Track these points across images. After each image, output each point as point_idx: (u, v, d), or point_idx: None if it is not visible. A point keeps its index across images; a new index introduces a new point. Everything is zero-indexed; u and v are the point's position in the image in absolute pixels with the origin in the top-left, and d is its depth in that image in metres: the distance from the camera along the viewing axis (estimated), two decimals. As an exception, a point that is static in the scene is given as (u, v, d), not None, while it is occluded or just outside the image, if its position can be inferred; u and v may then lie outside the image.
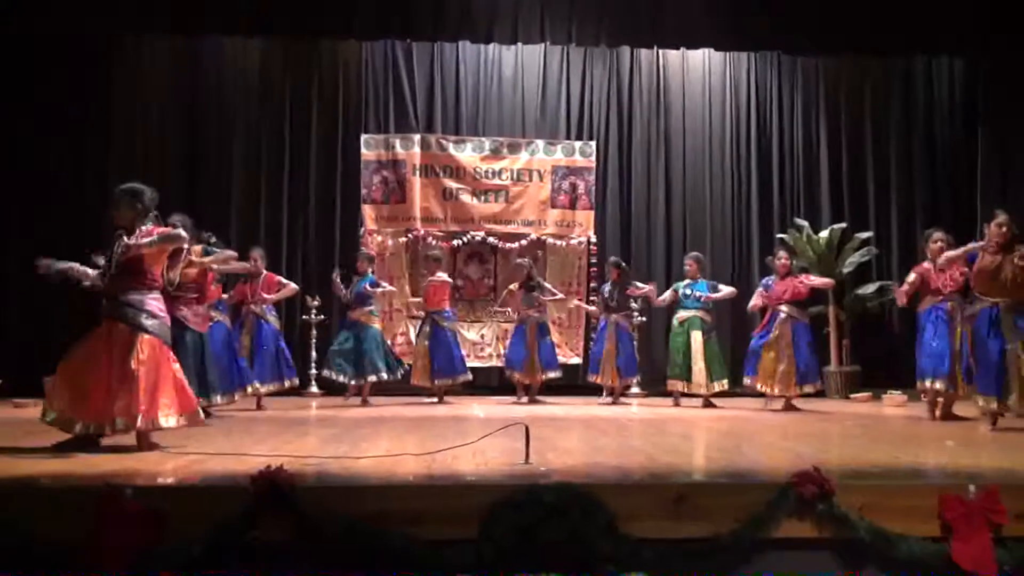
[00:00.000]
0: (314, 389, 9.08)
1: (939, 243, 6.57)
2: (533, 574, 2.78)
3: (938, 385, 6.34)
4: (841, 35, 10.03)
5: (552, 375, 8.80)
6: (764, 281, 7.96)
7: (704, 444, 5.08)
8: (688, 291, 8.27)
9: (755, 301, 7.95)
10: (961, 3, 9.73)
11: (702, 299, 8.22)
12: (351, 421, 6.19)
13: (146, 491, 2.95)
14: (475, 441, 4.15)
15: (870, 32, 9.97)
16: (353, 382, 8.20)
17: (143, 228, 4.37)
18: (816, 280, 8.16)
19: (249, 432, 5.23)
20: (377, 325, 8.40)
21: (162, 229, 4.44)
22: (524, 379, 8.72)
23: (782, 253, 8.07)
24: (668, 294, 8.52)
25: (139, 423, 4.15)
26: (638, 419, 6.84)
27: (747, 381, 7.84)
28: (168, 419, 4.26)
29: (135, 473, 3.39)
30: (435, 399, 8.50)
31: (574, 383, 9.33)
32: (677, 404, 8.19)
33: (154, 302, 4.35)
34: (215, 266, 6.26)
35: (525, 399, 8.64)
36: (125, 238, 4.32)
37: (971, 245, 6.10)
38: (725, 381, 8.24)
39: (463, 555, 2.77)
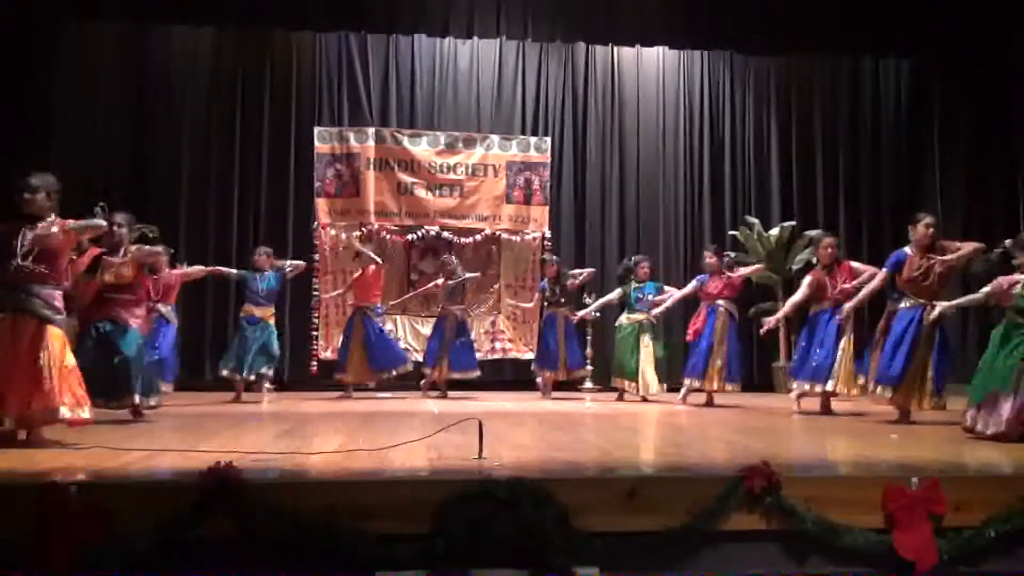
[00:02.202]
0: (267, 385, 8.95)
1: (829, 249, 6.76)
2: (486, 568, 2.79)
3: (828, 387, 6.52)
4: (792, 35, 10.25)
5: (458, 375, 8.60)
6: (700, 277, 7.92)
7: (656, 439, 5.13)
8: (640, 294, 8.28)
9: (687, 290, 7.99)
10: (909, 7, 9.97)
11: (650, 300, 8.20)
12: (302, 417, 6.13)
13: (91, 488, 2.89)
14: (428, 436, 4.14)
15: (821, 33, 10.19)
16: (239, 377, 7.82)
17: (51, 218, 4.32)
18: (745, 269, 8.09)
19: (197, 428, 5.15)
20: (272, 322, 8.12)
21: (81, 221, 4.43)
22: (432, 373, 8.57)
23: (707, 252, 8.03)
24: (615, 295, 8.47)
25: (60, 414, 4.13)
26: (591, 414, 6.88)
27: (691, 382, 7.70)
28: (76, 411, 4.22)
29: (78, 470, 3.32)
30: (387, 394, 8.42)
31: (528, 378, 9.32)
32: (621, 399, 8.21)
33: (60, 299, 4.31)
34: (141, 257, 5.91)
35: (434, 393, 8.53)
36: (39, 226, 4.25)
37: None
38: (664, 385, 8.21)
39: (415, 550, 2.76)
